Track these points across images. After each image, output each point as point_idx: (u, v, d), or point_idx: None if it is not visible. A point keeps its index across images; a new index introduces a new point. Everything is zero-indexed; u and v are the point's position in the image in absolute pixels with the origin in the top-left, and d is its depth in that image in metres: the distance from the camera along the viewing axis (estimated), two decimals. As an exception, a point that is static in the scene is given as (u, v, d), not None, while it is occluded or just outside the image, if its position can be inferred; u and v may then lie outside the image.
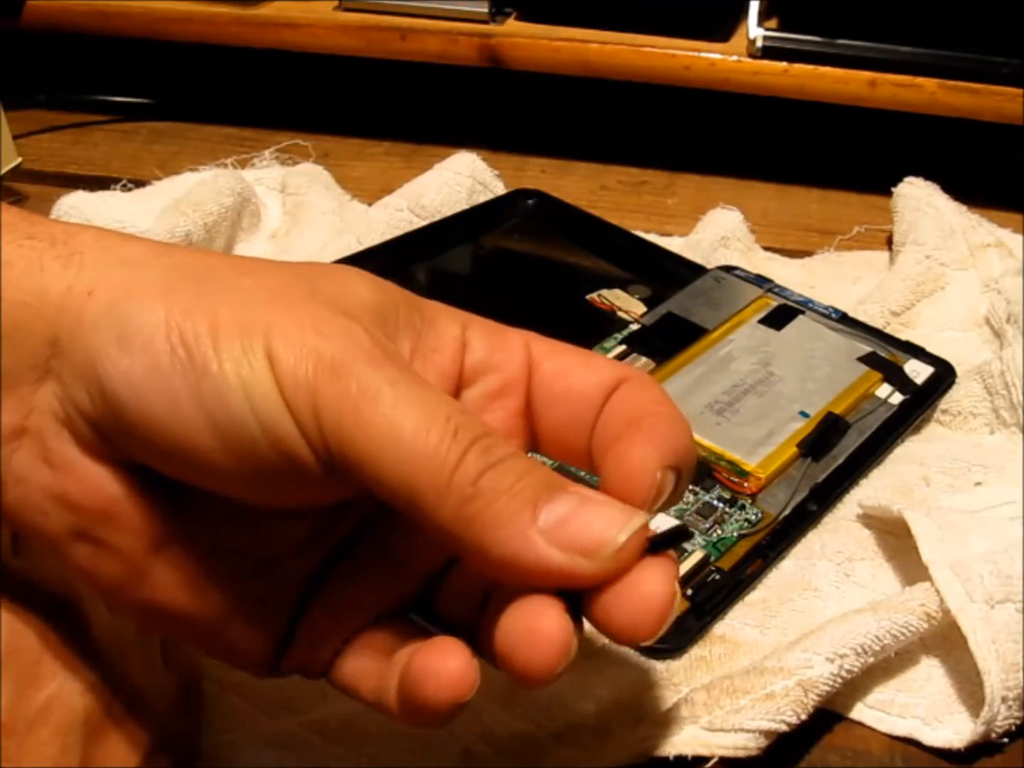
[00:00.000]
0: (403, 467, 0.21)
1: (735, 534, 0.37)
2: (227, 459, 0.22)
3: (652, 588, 0.22)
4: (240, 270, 0.24)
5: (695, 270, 0.51)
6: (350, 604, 0.26)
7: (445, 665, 0.22)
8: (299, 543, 0.25)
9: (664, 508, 0.24)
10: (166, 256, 0.24)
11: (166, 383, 0.22)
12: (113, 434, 0.23)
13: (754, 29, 0.56)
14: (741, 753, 0.30)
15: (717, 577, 0.36)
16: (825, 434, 0.41)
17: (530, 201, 0.56)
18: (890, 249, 0.54)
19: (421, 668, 0.23)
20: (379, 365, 0.22)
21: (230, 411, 0.22)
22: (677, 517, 0.37)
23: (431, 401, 0.22)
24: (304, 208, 0.55)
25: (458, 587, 0.27)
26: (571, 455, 0.27)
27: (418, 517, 0.22)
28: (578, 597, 0.22)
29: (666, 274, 0.51)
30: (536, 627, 0.21)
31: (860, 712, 0.33)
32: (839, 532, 0.38)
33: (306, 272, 0.24)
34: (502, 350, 0.26)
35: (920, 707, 0.33)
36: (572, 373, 0.26)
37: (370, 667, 0.26)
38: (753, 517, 0.38)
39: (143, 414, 0.22)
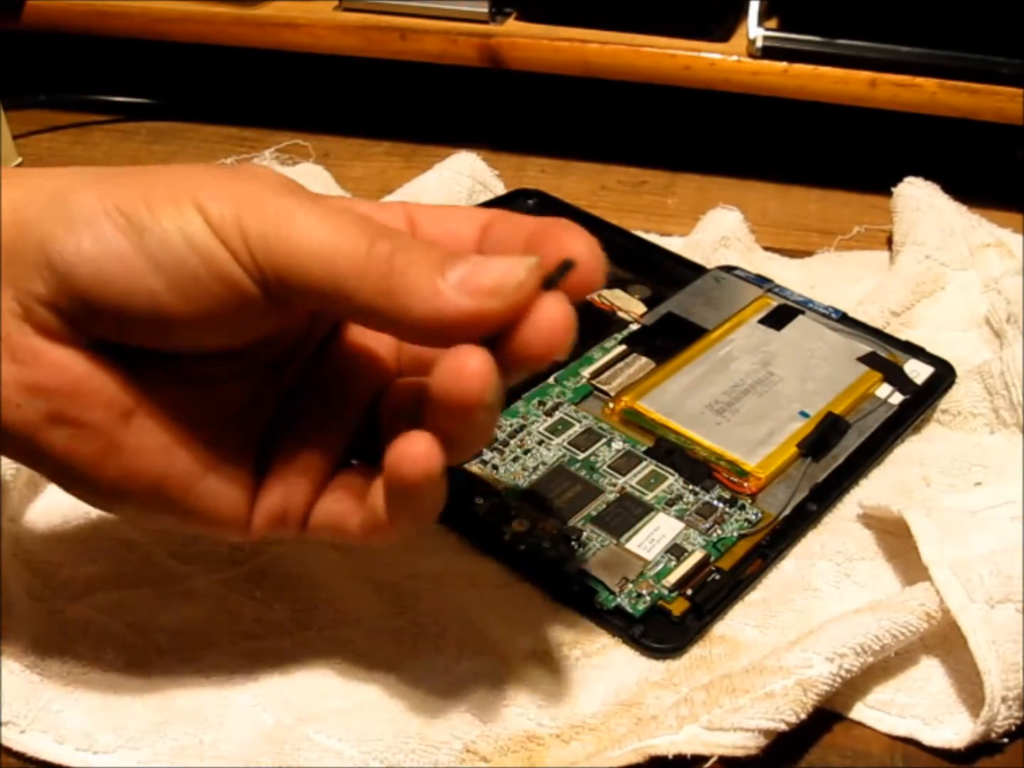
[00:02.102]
0: (325, 264, 0.25)
1: (735, 534, 0.37)
2: (178, 302, 0.25)
3: (554, 311, 0.25)
4: (159, 167, 0.27)
5: (695, 270, 0.51)
6: (307, 447, 0.29)
7: (413, 447, 0.26)
8: (251, 396, 0.29)
9: (576, 290, 0.26)
10: (94, 168, 0.27)
11: (112, 246, 0.25)
12: (72, 312, 0.25)
13: (754, 29, 0.56)
14: (740, 752, 0.30)
15: (717, 577, 0.36)
16: (825, 434, 0.41)
17: (530, 201, 0.56)
18: (890, 249, 0.54)
19: (395, 454, 0.26)
20: (291, 194, 0.26)
21: (172, 255, 0.25)
22: (677, 518, 0.37)
23: (337, 211, 0.25)
24: (304, 208, 0.55)
25: (393, 409, 0.30)
26: None
27: (346, 305, 0.25)
28: (495, 345, 0.25)
29: (666, 274, 0.51)
30: (462, 364, 0.25)
31: (860, 712, 0.33)
32: (839, 532, 0.38)
33: (215, 165, 0.28)
34: (385, 213, 0.29)
35: (920, 707, 0.33)
36: (447, 220, 0.30)
37: (348, 506, 0.29)
38: (753, 517, 0.38)
39: (97, 280, 0.25)
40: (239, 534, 0.29)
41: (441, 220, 0.30)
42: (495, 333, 0.25)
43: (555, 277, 0.26)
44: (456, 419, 0.25)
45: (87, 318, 0.26)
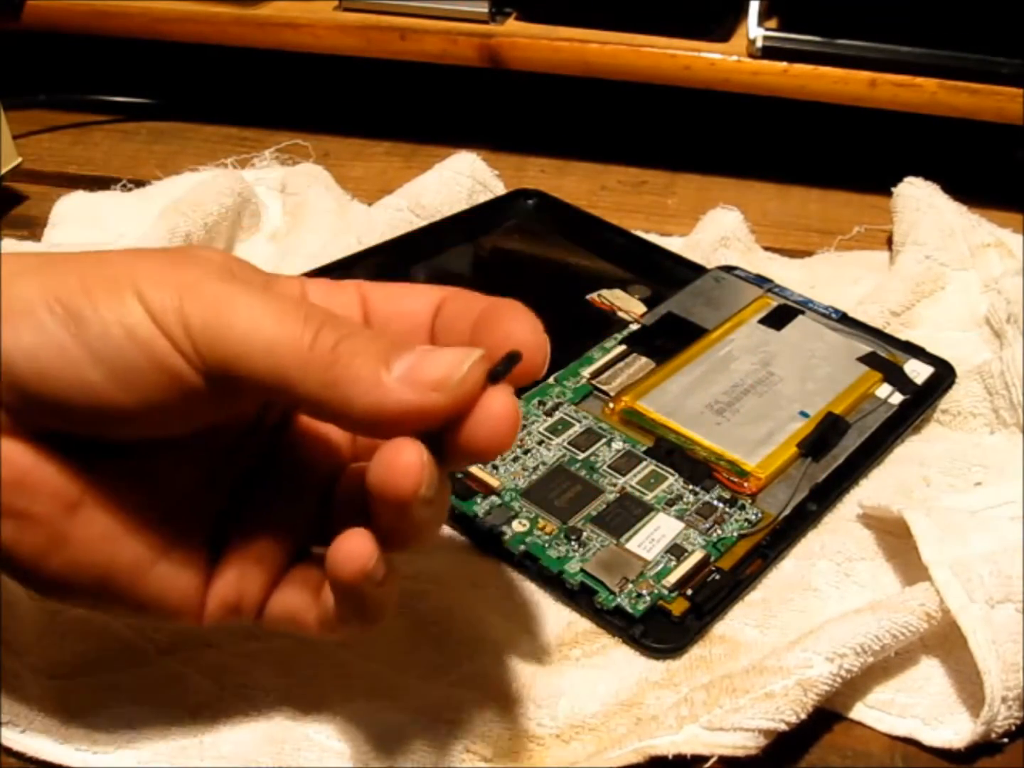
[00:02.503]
0: (268, 355, 0.24)
1: (735, 534, 0.37)
2: (119, 393, 0.25)
3: (501, 406, 0.25)
4: (102, 251, 0.27)
5: (695, 270, 0.51)
6: (262, 534, 0.29)
7: (349, 544, 0.25)
8: (202, 483, 0.28)
9: (518, 380, 0.27)
10: (35, 254, 0.27)
11: (52, 339, 0.24)
12: (16, 405, 0.25)
13: (754, 29, 0.56)
14: (740, 752, 0.30)
15: (717, 577, 0.36)
16: (825, 434, 0.41)
17: (530, 201, 0.57)
18: (890, 249, 0.54)
19: (333, 551, 0.26)
20: (234, 280, 0.26)
21: (112, 346, 0.24)
22: (677, 518, 0.37)
23: (281, 300, 0.25)
24: (304, 208, 0.55)
25: (346, 496, 0.29)
26: None
27: (290, 396, 0.25)
28: (440, 439, 0.25)
29: (666, 274, 0.51)
30: (395, 458, 0.24)
31: (860, 712, 0.33)
32: (839, 532, 0.38)
33: (158, 249, 0.28)
34: (338, 294, 0.30)
35: (920, 707, 0.33)
36: (399, 298, 0.30)
37: (305, 600, 0.28)
38: (753, 517, 0.38)
39: (36, 372, 0.25)
40: (191, 621, 0.28)
41: (394, 299, 0.30)
42: (440, 426, 0.25)
43: (500, 370, 0.26)
44: (393, 513, 0.25)
45: (28, 410, 0.25)
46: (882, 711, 0.33)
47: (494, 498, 0.38)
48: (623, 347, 0.45)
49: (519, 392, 0.42)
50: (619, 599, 0.35)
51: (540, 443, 0.40)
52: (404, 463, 0.24)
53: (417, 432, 0.25)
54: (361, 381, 0.24)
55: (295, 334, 0.24)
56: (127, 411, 0.25)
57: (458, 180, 0.56)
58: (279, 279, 0.29)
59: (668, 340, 0.45)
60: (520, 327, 0.27)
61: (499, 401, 0.25)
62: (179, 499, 0.28)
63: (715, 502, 0.38)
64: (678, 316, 0.47)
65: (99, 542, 0.27)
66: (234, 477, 0.29)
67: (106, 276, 0.25)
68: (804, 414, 0.42)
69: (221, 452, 0.29)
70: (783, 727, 0.30)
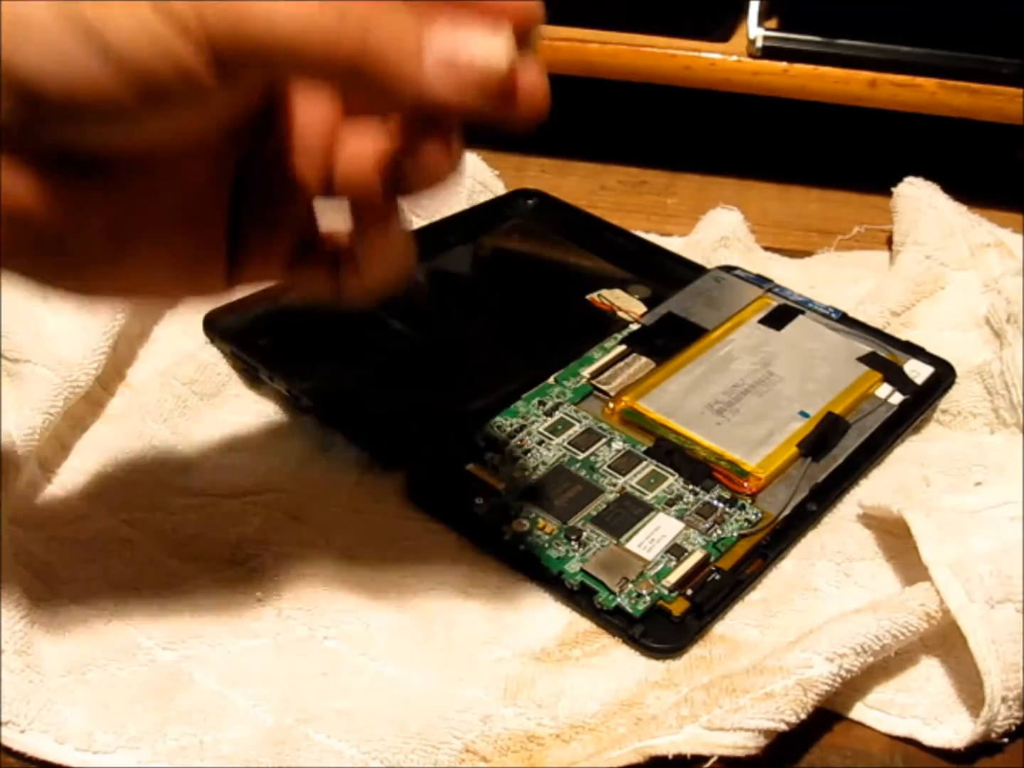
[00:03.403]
0: (295, 22, 0.23)
1: (735, 534, 0.37)
2: (122, 90, 0.23)
3: (532, 77, 0.25)
4: None
5: (695, 270, 0.51)
6: (270, 225, 0.29)
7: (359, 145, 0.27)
8: (206, 183, 0.28)
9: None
10: None
11: (52, 35, 0.23)
12: (23, 120, 0.24)
13: (754, 29, 0.56)
14: (740, 752, 0.30)
15: (717, 577, 0.36)
16: (825, 434, 0.41)
17: (530, 201, 0.57)
18: (890, 249, 0.54)
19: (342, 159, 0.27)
20: None
21: (117, 34, 0.23)
22: (677, 517, 0.37)
23: None
24: (304, 208, 0.55)
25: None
26: None
27: (318, 65, 0.23)
28: None
29: (666, 274, 0.51)
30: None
31: (860, 712, 0.33)
32: (839, 532, 0.38)
33: None
34: None
35: (920, 707, 0.33)
36: None
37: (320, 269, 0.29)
38: (753, 517, 0.38)
39: (42, 76, 0.23)
40: (225, 287, 0.29)
41: None
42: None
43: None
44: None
45: (37, 125, 0.24)
46: (882, 711, 0.33)
47: (494, 498, 0.38)
48: (623, 347, 0.45)
49: (518, 391, 0.42)
50: (619, 599, 0.35)
51: (540, 443, 0.40)
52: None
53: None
54: (398, 74, 0.23)
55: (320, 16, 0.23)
56: (129, 111, 0.24)
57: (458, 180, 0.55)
58: None
59: (668, 340, 0.45)
60: None
61: (530, 74, 0.25)
62: (189, 203, 0.28)
63: (715, 502, 0.38)
64: (678, 316, 0.47)
65: (120, 262, 0.27)
66: (233, 165, 0.29)
67: None
68: (804, 414, 0.42)
69: (220, 149, 0.28)
70: (783, 727, 0.30)
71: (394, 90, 0.24)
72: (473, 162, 0.56)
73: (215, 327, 0.45)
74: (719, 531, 0.37)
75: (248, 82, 0.25)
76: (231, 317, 0.46)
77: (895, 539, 0.37)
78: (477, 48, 0.24)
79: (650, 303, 0.48)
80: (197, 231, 0.28)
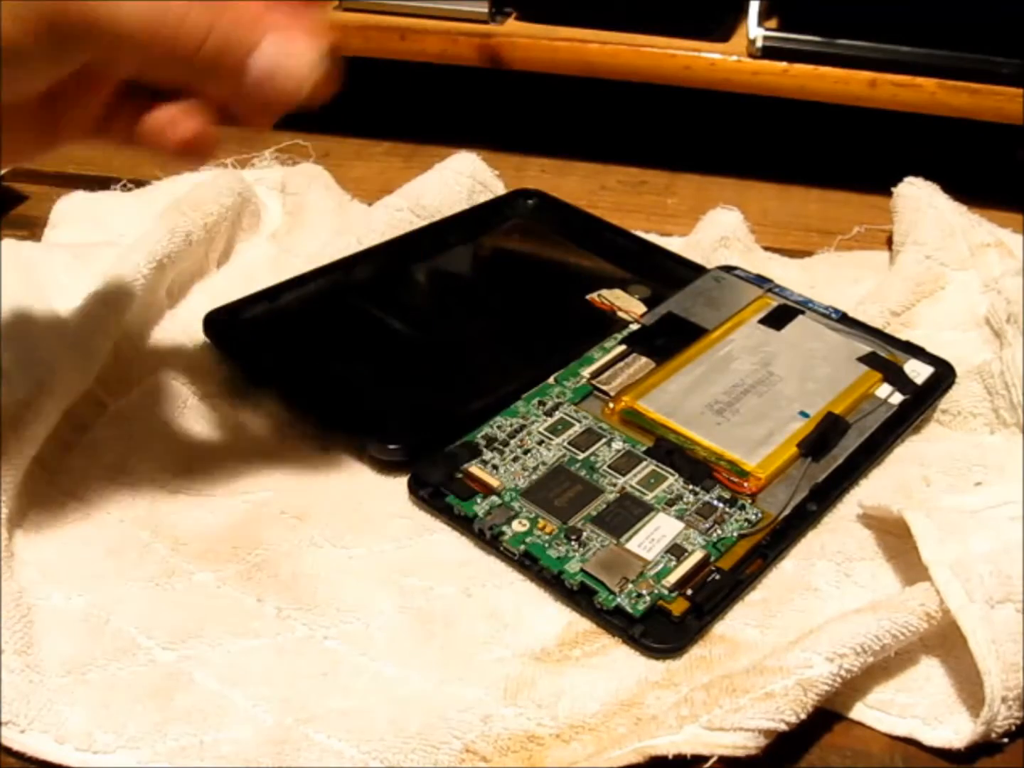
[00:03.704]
0: (137, 19, 0.27)
1: (735, 534, 0.37)
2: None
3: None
4: None
5: (695, 270, 0.51)
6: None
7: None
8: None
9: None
10: None
11: None
12: None
13: (754, 29, 0.56)
14: (740, 752, 0.30)
15: (717, 577, 0.36)
16: (825, 434, 0.41)
17: (530, 201, 0.57)
18: (890, 249, 0.54)
19: None
20: None
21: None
22: (677, 517, 0.37)
23: None
24: (304, 208, 0.55)
25: None
26: None
27: (161, 68, 0.29)
28: None
29: (666, 274, 0.51)
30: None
31: (860, 712, 0.33)
32: (839, 532, 0.38)
33: None
34: None
35: (920, 707, 0.33)
36: None
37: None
38: (753, 517, 0.38)
39: None
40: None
41: None
42: None
43: None
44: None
45: None
46: (882, 711, 0.33)
47: (494, 498, 0.38)
48: (623, 347, 0.45)
49: (518, 391, 0.42)
50: (619, 599, 0.35)
51: (540, 443, 0.40)
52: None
53: None
54: (222, 67, 0.28)
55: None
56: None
57: (458, 180, 0.56)
58: None
59: (668, 340, 0.45)
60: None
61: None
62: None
63: (715, 502, 0.38)
64: (678, 316, 0.47)
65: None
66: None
67: None
68: (804, 414, 0.42)
69: None
70: (783, 727, 0.30)
71: (218, 87, 0.29)
72: (473, 162, 0.56)
73: (215, 327, 0.45)
74: (719, 531, 0.37)
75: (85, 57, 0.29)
76: (231, 317, 0.46)
77: (895, 539, 0.37)
78: (295, 64, 0.29)
79: (650, 303, 0.48)
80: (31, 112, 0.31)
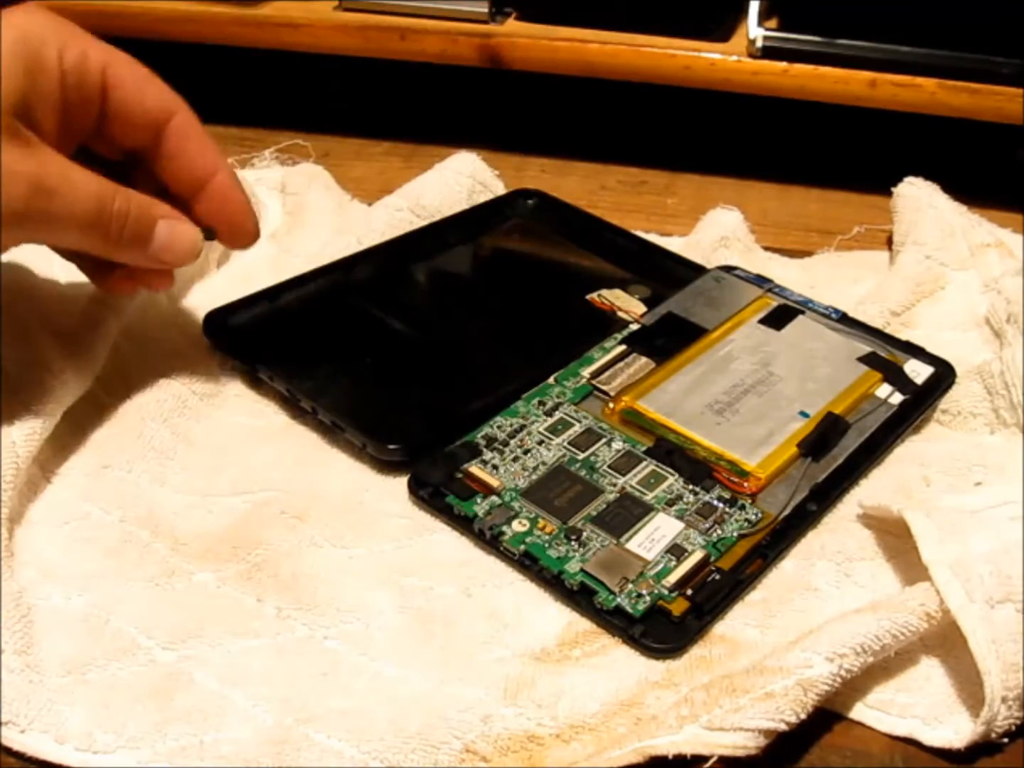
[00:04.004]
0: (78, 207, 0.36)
1: (735, 534, 0.37)
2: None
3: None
4: None
5: (695, 270, 0.51)
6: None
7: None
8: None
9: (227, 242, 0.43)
10: None
11: None
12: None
13: (754, 29, 0.56)
14: (740, 752, 0.30)
15: (717, 577, 0.36)
16: (825, 434, 0.41)
17: (530, 201, 0.57)
18: (890, 249, 0.54)
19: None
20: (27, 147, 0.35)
21: None
22: (677, 517, 0.37)
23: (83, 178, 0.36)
24: (304, 208, 0.55)
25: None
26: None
27: (81, 233, 0.37)
28: None
29: (666, 274, 0.51)
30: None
31: (860, 712, 0.33)
32: (839, 532, 0.38)
33: None
34: (86, 78, 0.39)
35: (920, 707, 0.33)
36: (138, 98, 0.39)
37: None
38: (753, 517, 0.38)
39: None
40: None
41: (133, 98, 0.39)
42: None
43: (207, 234, 0.40)
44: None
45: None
46: (882, 711, 0.33)
47: (494, 498, 0.38)
48: (623, 347, 0.45)
49: (518, 391, 0.42)
50: (619, 599, 0.35)
51: (540, 443, 0.40)
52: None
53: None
54: (136, 244, 0.38)
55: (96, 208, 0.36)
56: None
57: (458, 180, 0.56)
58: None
59: (668, 340, 0.45)
60: (233, 209, 0.41)
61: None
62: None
63: (715, 502, 0.38)
64: (678, 316, 0.47)
65: None
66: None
67: None
68: (804, 414, 0.42)
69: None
70: (783, 727, 0.30)
71: (126, 258, 0.39)
72: (473, 162, 0.56)
73: (215, 327, 0.45)
74: (719, 531, 0.37)
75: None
76: (231, 317, 0.46)
77: (895, 539, 0.37)
78: (181, 241, 0.39)
79: (650, 303, 0.48)
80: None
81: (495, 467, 0.39)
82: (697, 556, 0.36)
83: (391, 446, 0.40)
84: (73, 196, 0.36)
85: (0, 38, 0.35)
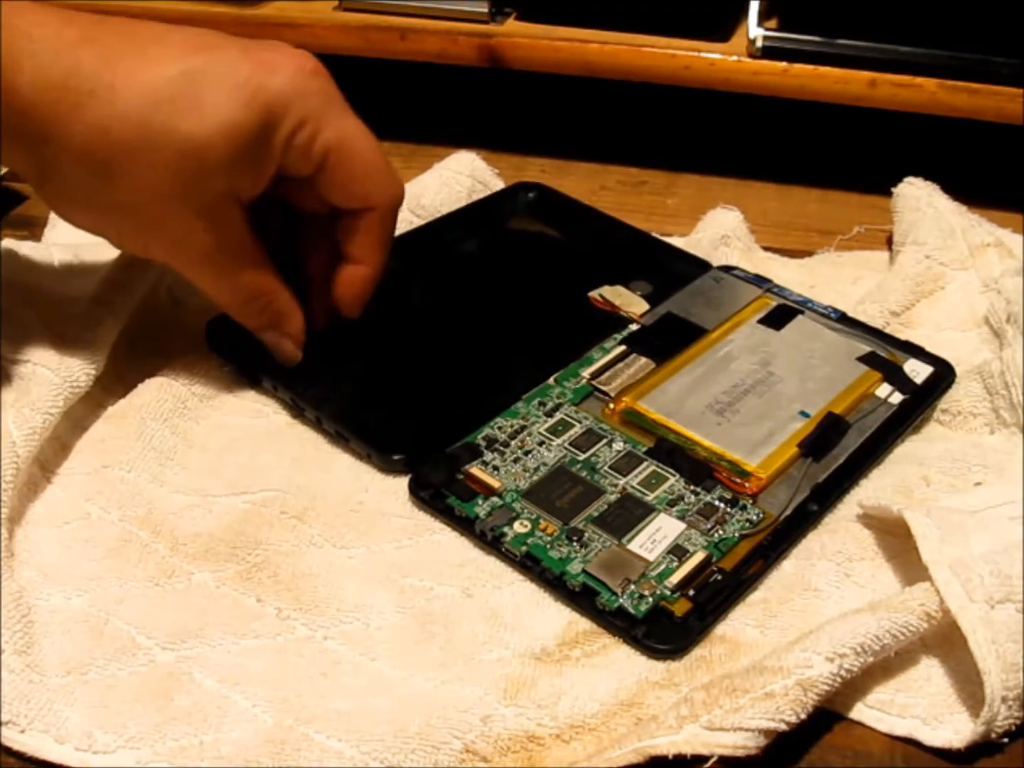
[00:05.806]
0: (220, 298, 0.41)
1: (736, 534, 0.37)
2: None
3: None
4: None
5: (697, 264, 0.51)
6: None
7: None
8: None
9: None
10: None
11: None
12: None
13: (754, 29, 0.56)
14: (740, 752, 0.30)
15: (719, 577, 0.36)
16: (825, 434, 0.41)
17: (530, 195, 0.56)
18: (890, 249, 0.54)
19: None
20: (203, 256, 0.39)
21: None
22: (679, 518, 0.37)
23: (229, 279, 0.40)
24: (304, 208, 0.55)
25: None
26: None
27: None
28: None
29: (668, 269, 0.51)
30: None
31: (860, 712, 0.33)
32: (839, 532, 0.38)
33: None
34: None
35: (920, 707, 0.33)
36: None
37: None
38: (754, 517, 0.38)
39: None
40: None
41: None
42: None
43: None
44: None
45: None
46: (882, 711, 0.33)
47: (495, 499, 0.38)
48: (623, 347, 0.45)
49: (518, 392, 0.42)
50: (621, 600, 0.35)
51: (541, 444, 0.40)
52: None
53: None
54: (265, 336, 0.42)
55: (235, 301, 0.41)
56: None
57: (458, 180, 0.56)
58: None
59: (668, 340, 0.45)
60: (349, 301, 0.43)
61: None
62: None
63: (716, 502, 0.38)
64: (678, 316, 0.47)
65: None
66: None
67: None
68: (804, 414, 0.42)
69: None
70: (783, 727, 0.30)
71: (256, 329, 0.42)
72: (473, 161, 0.56)
73: (217, 335, 0.45)
74: (720, 531, 0.37)
75: None
76: (233, 325, 0.46)
77: (895, 539, 0.37)
78: (278, 353, 0.43)
79: (651, 298, 0.48)
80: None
81: (496, 468, 0.39)
82: (699, 557, 0.36)
83: (395, 456, 0.40)
84: (228, 283, 0.40)
85: (240, 88, 0.36)
